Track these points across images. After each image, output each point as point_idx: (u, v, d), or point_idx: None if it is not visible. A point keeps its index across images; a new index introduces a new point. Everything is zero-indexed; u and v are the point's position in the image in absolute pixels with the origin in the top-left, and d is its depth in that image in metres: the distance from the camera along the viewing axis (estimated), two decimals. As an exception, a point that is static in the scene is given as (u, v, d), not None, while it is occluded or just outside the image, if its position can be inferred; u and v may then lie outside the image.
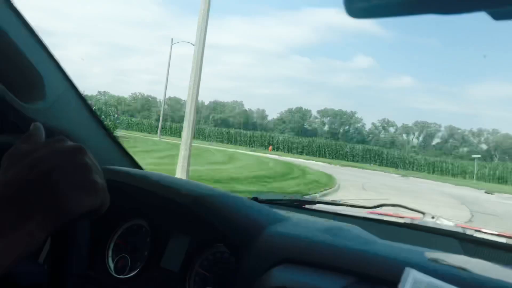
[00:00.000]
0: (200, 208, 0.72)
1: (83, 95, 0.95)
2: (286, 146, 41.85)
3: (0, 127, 0.86)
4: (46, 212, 0.44)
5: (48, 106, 0.88)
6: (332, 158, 38.34)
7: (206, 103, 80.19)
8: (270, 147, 39.86)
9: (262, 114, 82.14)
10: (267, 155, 24.60)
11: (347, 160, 37.28)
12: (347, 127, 76.20)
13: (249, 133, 45.15)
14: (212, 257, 0.80)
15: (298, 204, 1.03)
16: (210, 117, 76.39)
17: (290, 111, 78.60)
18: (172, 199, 0.76)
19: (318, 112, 78.58)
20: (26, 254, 0.43)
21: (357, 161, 38.67)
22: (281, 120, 77.84)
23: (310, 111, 79.14)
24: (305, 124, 76.70)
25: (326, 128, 76.81)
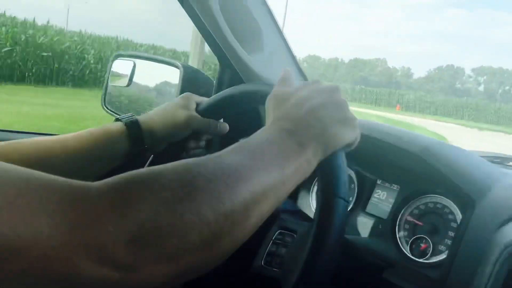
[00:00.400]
0: (430, 157, 0.73)
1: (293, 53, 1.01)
2: (417, 106, 37.69)
3: (231, 78, 0.97)
4: (317, 142, 0.49)
5: (265, 58, 0.96)
6: (473, 120, 33.79)
7: (346, 61, 78.00)
8: (398, 106, 36.34)
9: (407, 73, 77.02)
10: (393, 115, 22.76)
11: (491, 123, 32.34)
12: (507, 87, 67.29)
13: (375, 89, 42.02)
14: (424, 206, 0.82)
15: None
16: (349, 75, 74.27)
17: (439, 69, 72.23)
18: (399, 146, 0.77)
19: (473, 70, 70.72)
20: (302, 181, 0.49)
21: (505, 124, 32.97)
22: (428, 79, 72.09)
23: (463, 69, 71.72)
24: (456, 83, 69.83)
25: (481, 88, 68.93)
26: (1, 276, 0.28)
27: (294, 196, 0.96)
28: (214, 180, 0.37)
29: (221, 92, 0.81)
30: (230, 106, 0.80)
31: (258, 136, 0.48)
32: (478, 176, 0.71)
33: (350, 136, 0.54)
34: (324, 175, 0.54)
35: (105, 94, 1.28)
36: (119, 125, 0.74)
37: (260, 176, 0.41)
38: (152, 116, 0.80)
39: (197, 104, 0.82)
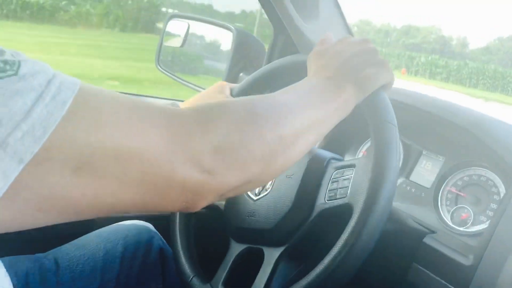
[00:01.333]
0: (478, 131, 0.73)
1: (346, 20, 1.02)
2: (427, 70, 32.99)
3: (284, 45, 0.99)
4: (354, 84, 0.56)
5: (320, 26, 0.97)
6: (488, 89, 28.66)
7: (399, 27, 74.75)
8: (403, 70, 32.32)
9: (463, 42, 73.02)
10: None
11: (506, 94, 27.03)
12: None
13: (383, 50, 38.05)
14: (468, 178, 0.83)
15: None
16: (400, 41, 71.34)
17: (499, 39, 67.90)
18: (446, 118, 0.78)
19: (536, 41, 65.88)
20: (342, 118, 0.55)
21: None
22: (486, 50, 68.12)
23: (525, 39, 66.97)
24: (516, 55, 65.56)
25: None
26: (124, 178, 0.35)
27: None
28: (271, 110, 0.46)
29: (252, 74, 0.83)
30: (264, 85, 0.82)
31: (302, 83, 0.56)
32: None
33: (385, 77, 0.60)
34: (371, 108, 0.60)
35: (159, 53, 1.33)
36: None
37: (306, 112, 0.50)
38: (191, 102, 0.85)
39: (231, 90, 0.86)
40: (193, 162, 0.38)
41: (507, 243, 0.64)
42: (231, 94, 0.85)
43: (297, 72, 0.76)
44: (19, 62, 0.30)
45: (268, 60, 1.09)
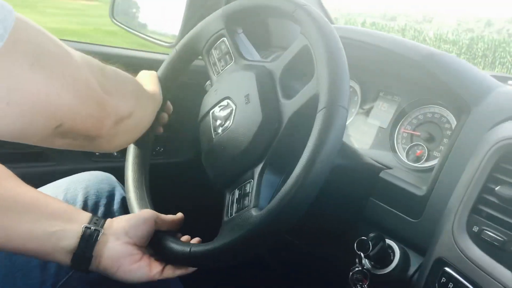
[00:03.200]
0: (432, 64, 0.75)
1: None
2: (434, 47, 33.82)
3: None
4: None
5: None
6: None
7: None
8: None
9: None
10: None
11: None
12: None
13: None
14: (423, 116, 0.85)
15: None
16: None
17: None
18: (397, 52, 0.79)
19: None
20: None
21: None
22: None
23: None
24: None
25: None
26: (64, 81, 0.46)
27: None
28: None
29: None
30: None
31: None
32: (475, 84, 0.73)
33: None
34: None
35: (113, 5, 1.27)
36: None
37: None
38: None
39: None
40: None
41: (456, 173, 0.67)
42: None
43: (269, 14, 0.74)
44: None
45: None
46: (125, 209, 0.80)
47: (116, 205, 0.80)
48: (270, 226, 0.53)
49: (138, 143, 0.77)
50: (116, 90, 0.58)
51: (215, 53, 0.76)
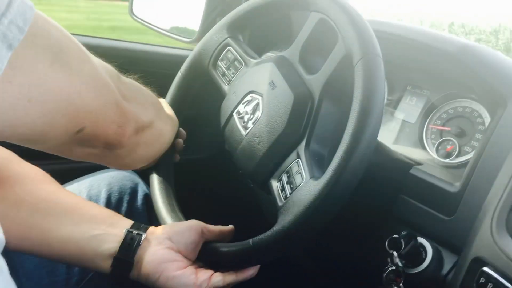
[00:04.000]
0: (466, 56, 0.72)
1: None
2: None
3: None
4: None
5: None
6: None
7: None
8: None
9: None
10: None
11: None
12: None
13: None
14: (453, 111, 0.83)
15: None
16: None
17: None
18: (430, 45, 0.77)
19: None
20: None
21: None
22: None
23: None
24: None
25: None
26: (86, 80, 0.46)
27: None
28: None
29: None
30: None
31: None
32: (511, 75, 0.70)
33: None
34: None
35: (132, 1, 1.27)
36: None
37: None
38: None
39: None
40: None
41: (493, 169, 0.64)
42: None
43: (272, 11, 0.73)
44: None
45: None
46: (148, 206, 0.79)
47: (139, 201, 0.79)
48: (334, 189, 0.51)
49: (160, 170, 0.73)
50: (135, 97, 0.56)
51: (222, 64, 0.75)
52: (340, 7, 0.58)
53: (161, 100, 0.76)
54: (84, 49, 0.47)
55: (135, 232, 0.59)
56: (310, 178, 0.55)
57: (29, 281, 0.64)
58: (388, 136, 0.90)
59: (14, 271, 0.64)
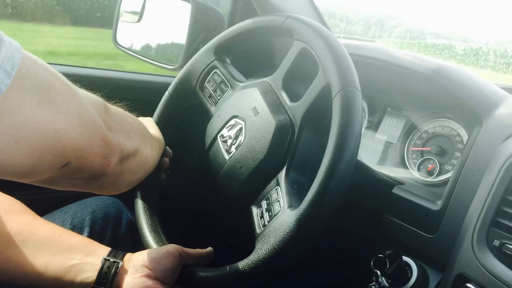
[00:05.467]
0: (441, 77, 0.75)
1: None
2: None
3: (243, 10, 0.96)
4: None
5: None
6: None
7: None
8: None
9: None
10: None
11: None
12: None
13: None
14: (432, 130, 0.85)
15: None
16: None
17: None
18: (406, 67, 0.79)
19: None
20: None
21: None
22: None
23: None
24: None
25: None
26: (71, 116, 0.45)
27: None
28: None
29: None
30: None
31: None
32: (485, 96, 0.73)
33: None
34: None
35: (115, 30, 1.28)
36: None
37: None
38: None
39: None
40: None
41: (472, 186, 0.66)
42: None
43: (257, 36, 0.74)
44: None
45: (228, 27, 1.07)
46: (132, 232, 0.79)
47: (123, 228, 0.79)
48: (309, 221, 0.51)
49: (145, 193, 0.74)
50: (120, 128, 0.57)
51: (209, 85, 0.76)
52: (321, 38, 0.60)
53: (148, 118, 0.77)
54: (71, 85, 0.47)
55: (111, 260, 0.59)
56: (288, 207, 0.55)
57: None
58: (371, 157, 0.92)
59: None
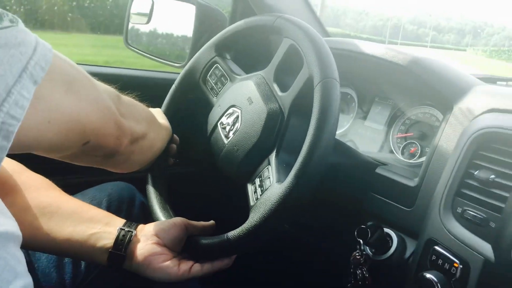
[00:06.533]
0: (416, 67, 0.83)
1: None
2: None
3: (244, 10, 1.05)
4: None
5: None
6: None
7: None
8: None
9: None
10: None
11: None
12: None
13: None
14: (415, 117, 0.93)
15: None
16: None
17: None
18: (386, 59, 0.87)
19: None
20: None
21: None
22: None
23: None
24: None
25: None
26: (92, 103, 0.55)
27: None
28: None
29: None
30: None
31: None
32: (455, 82, 0.81)
33: None
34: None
35: (126, 32, 1.38)
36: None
37: None
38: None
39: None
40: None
41: (442, 164, 0.74)
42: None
43: (252, 34, 0.83)
44: (18, 21, 0.43)
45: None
46: (144, 213, 0.88)
47: (136, 209, 0.88)
48: (294, 191, 0.59)
49: (155, 177, 0.84)
50: (130, 114, 0.66)
51: (210, 79, 0.86)
52: (306, 35, 0.69)
53: (157, 109, 0.87)
54: (91, 78, 0.57)
55: (126, 229, 0.68)
56: (276, 182, 0.64)
57: (42, 276, 0.73)
58: (360, 142, 1.00)
59: (30, 266, 0.74)
